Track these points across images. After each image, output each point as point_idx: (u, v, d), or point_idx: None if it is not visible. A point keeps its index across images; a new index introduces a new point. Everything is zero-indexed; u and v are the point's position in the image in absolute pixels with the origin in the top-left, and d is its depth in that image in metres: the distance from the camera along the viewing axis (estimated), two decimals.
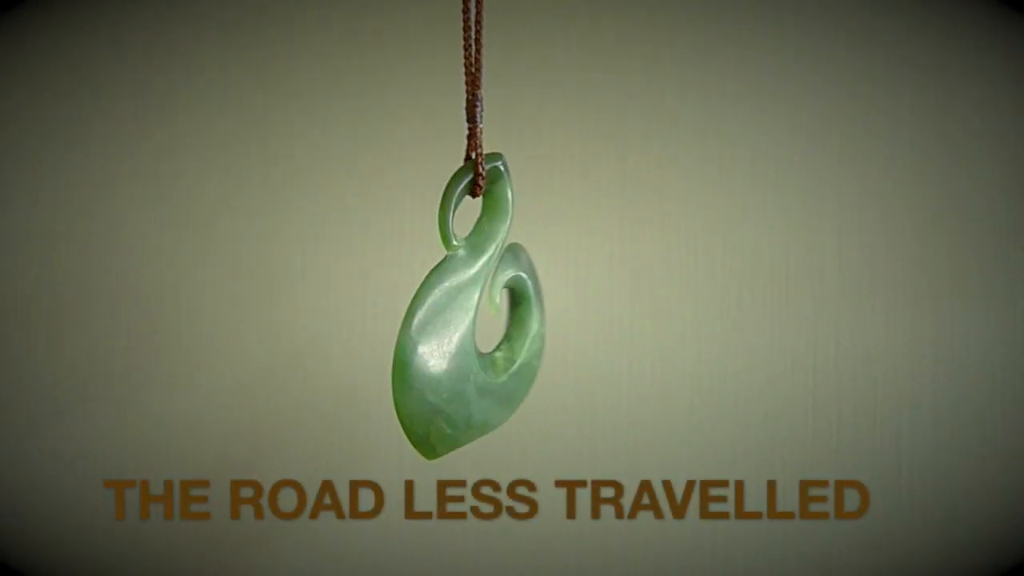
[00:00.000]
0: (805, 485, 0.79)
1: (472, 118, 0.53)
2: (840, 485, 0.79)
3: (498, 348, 0.58)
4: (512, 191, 0.55)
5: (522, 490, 0.80)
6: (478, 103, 0.53)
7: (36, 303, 0.81)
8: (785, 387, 0.79)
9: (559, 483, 0.80)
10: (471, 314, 0.53)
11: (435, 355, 0.52)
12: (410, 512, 0.80)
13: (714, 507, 0.79)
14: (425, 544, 0.80)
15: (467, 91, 0.53)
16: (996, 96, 0.79)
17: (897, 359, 0.79)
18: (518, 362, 0.57)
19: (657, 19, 0.80)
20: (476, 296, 0.53)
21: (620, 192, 0.80)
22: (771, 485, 0.79)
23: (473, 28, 0.53)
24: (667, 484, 0.79)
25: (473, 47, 0.53)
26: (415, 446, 0.52)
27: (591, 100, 0.80)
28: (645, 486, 0.79)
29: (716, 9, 0.80)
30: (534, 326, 0.58)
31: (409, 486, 0.80)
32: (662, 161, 0.80)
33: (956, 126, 0.79)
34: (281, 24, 0.81)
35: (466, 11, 0.52)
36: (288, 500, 0.80)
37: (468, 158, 0.53)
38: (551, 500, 0.80)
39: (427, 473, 0.80)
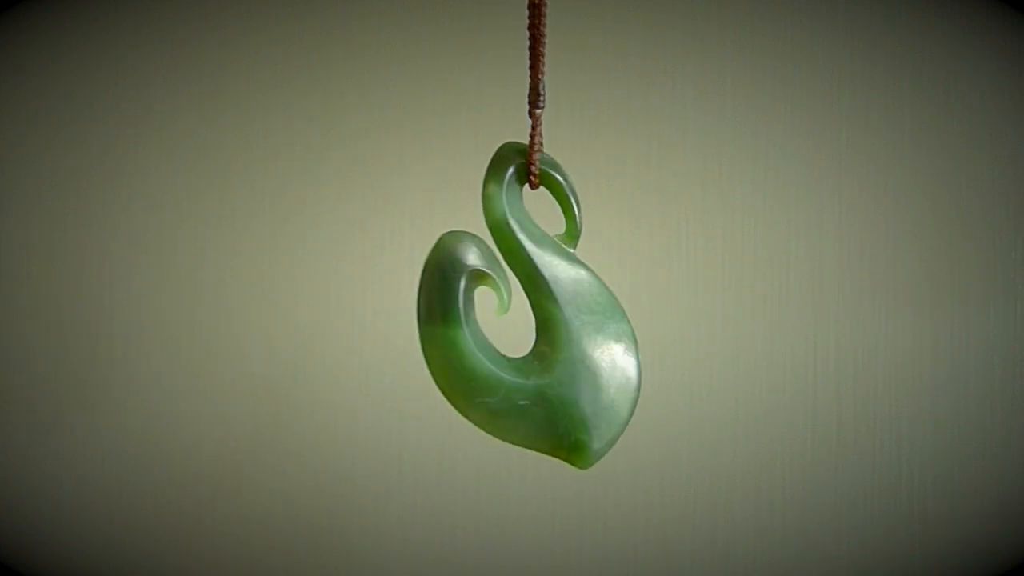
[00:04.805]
0: (805, 485, 0.79)
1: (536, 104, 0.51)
2: (840, 484, 0.79)
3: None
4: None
5: (520, 490, 0.80)
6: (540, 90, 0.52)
7: (35, 305, 0.81)
8: (785, 387, 0.79)
9: (557, 483, 0.80)
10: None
11: None
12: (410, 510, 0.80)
13: (713, 507, 0.79)
14: (423, 543, 0.80)
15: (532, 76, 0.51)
16: (996, 96, 0.79)
17: (897, 359, 0.79)
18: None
19: (658, 19, 0.80)
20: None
21: (619, 192, 0.80)
22: (771, 485, 0.79)
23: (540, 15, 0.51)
24: (666, 484, 0.79)
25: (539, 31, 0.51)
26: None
27: (589, 99, 0.80)
28: (644, 486, 0.79)
29: (716, 10, 0.80)
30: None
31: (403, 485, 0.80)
32: (661, 161, 0.80)
33: (956, 126, 0.79)
34: (286, 21, 0.81)
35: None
36: (286, 504, 0.80)
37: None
38: (549, 500, 0.80)
39: (426, 473, 0.80)
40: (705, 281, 0.79)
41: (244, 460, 0.81)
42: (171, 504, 0.81)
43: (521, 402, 0.50)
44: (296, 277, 0.81)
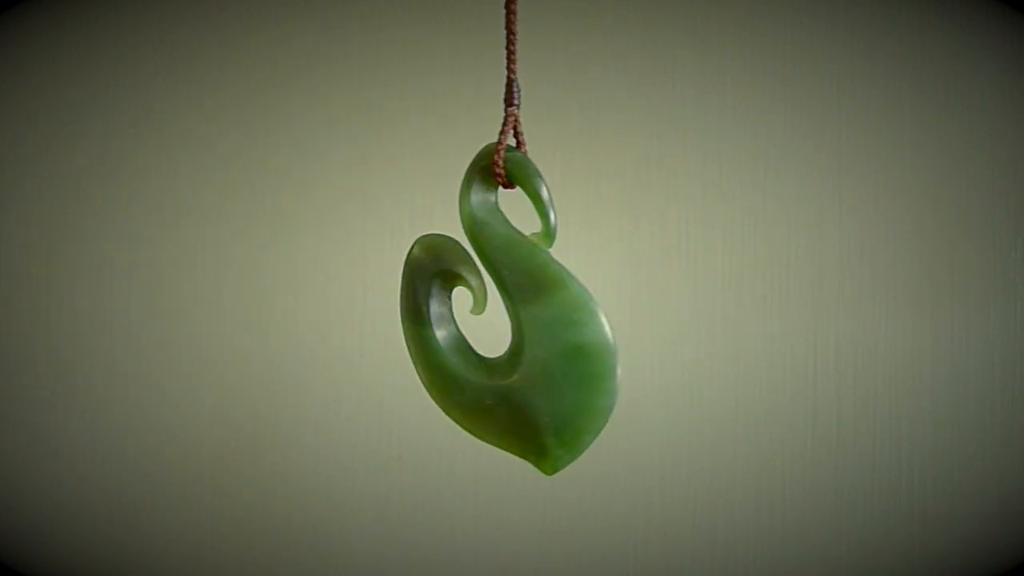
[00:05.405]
0: (805, 485, 0.79)
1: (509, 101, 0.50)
2: (840, 484, 0.79)
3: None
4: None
5: (520, 491, 0.80)
6: (514, 86, 0.51)
7: (35, 305, 0.81)
8: (785, 387, 0.79)
9: (557, 485, 0.80)
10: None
11: None
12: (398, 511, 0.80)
13: (713, 507, 0.79)
14: (423, 544, 0.80)
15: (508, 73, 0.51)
16: (996, 96, 0.79)
17: (897, 359, 0.79)
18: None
19: (658, 19, 0.80)
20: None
21: (619, 192, 0.79)
22: (771, 485, 0.79)
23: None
24: (666, 484, 0.79)
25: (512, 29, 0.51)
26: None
27: (589, 99, 0.80)
28: (644, 486, 0.79)
29: (716, 10, 0.80)
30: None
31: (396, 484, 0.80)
32: (662, 161, 0.80)
33: (956, 126, 0.79)
34: (286, 21, 0.81)
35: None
36: (285, 504, 0.80)
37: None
38: (549, 501, 0.80)
39: (425, 474, 0.80)
40: (705, 281, 0.79)
41: (243, 461, 0.81)
42: (171, 504, 0.81)
43: (487, 402, 0.50)
44: (295, 277, 0.81)
